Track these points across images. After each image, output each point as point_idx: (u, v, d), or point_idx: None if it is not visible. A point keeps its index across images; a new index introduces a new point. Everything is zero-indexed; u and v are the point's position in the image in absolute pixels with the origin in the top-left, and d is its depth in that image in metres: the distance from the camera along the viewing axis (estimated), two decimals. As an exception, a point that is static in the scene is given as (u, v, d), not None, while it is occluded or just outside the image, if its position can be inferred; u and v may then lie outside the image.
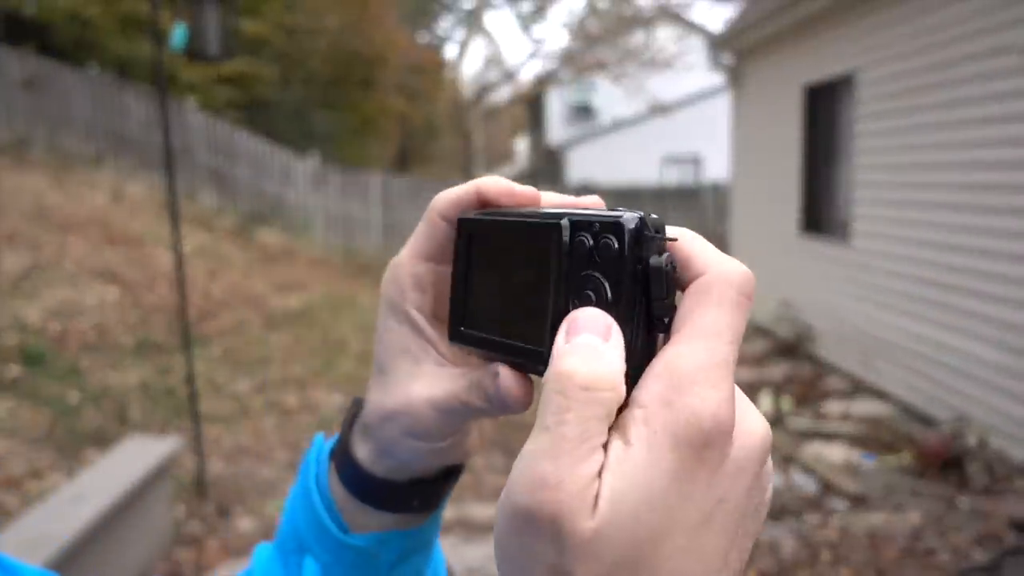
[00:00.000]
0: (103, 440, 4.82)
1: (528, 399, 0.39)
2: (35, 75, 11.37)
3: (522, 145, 33.38)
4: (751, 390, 6.32)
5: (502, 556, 0.30)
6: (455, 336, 0.42)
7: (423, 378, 0.44)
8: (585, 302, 0.33)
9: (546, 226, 0.36)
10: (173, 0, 11.00)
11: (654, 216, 0.33)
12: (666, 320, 0.33)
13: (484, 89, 23.31)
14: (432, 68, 21.18)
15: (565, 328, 0.32)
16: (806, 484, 4.63)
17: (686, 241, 0.33)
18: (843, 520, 4.12)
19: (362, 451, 0.47)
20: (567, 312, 0.33)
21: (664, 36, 19.73)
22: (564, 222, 0.35)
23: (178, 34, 9.83)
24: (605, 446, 0.29)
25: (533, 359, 0.36)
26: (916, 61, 5.73)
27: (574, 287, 0.34)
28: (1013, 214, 4.72)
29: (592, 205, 0.39)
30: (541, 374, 0.33)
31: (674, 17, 20.33)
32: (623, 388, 0.30)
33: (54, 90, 11.53)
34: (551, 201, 0.42)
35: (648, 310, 0.32)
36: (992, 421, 4.82)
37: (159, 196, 10.19)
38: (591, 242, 0.33)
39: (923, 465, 4.68)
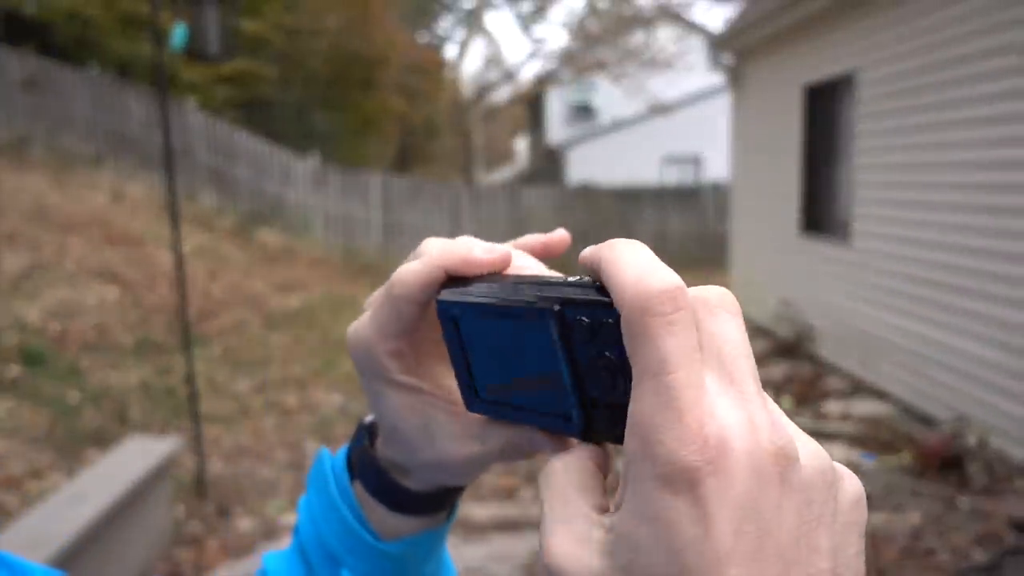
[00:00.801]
0: (103, 440, 4.82)
1: (566, 447, 0.40)
2: (35, 75, 11.37)
3: (522, 145, 33.37)
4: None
5: None
6: (472, 407, 0.42)
7: (446, 435, 0.45)
8: (601, 380, 0.33)
9: (538, 312, 0.35)
10: (173, 0, 11.01)
11: None
12: None
13: (484, 89, 23.31)
14: (432, 68, 21.19)
15: None
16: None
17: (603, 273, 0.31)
18: (843, 520, 4.11)
19: (406, 481, 0.49)
20: (583, 384, 0.34)
21: (664, 36, 19.73)
22: (556, 309, 0.34)
23: (178, 34, 9.85)
24: (604, 509, 0.31)
25: (560, 423, 0.37)
26: (916, 61, 5.73)
27: (586, 366, 0.34)
28: (1013, 214, 4.72)
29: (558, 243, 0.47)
30: (569, 433, 0.36)
31: (674, 17, 20.33)
32: (593, 460, 0.33)
33: (54, 90, 11.54)
34: (522, 263, 0.42)
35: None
36: (992, 421, 4.82)
37: (159, 196, 10.19)
38: (588, 320, 0.33)
39: (923, 465, 4.68)
